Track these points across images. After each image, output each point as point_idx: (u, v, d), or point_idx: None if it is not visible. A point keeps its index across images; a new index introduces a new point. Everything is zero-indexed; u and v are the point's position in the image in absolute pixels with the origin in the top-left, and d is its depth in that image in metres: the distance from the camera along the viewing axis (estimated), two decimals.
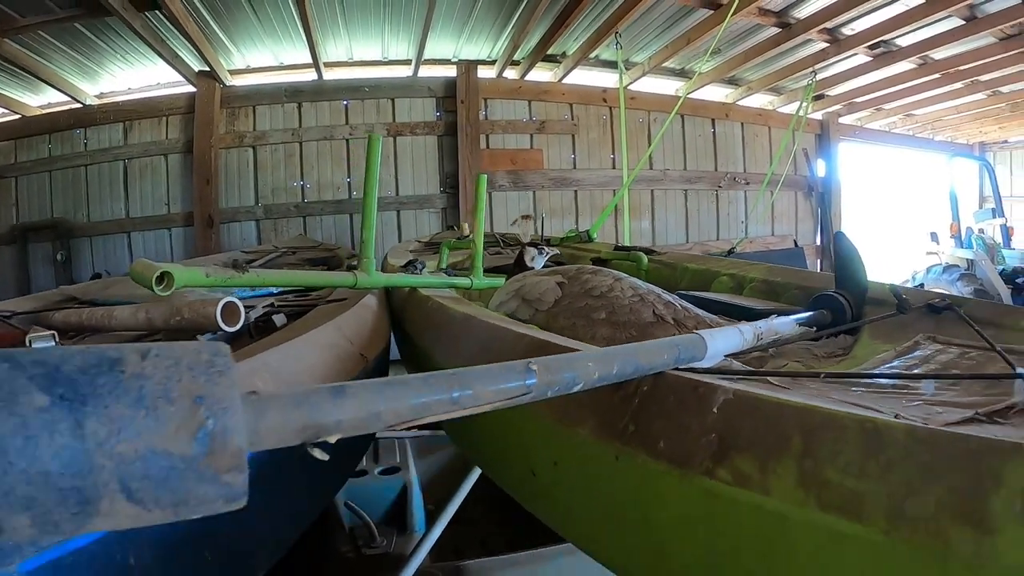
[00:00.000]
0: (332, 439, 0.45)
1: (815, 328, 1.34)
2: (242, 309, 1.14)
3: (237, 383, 0.39)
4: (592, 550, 0.95)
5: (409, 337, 1.84)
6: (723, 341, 0.92)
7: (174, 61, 5.39)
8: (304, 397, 0.44)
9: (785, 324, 1.22)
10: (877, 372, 1.10)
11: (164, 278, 1.21)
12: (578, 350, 0.86)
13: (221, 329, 1.22)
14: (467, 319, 1.44)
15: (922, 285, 7.02)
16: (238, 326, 1.24)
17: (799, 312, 1.41)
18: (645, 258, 2.66)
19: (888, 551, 0.54)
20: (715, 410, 0.69)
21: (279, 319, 1.55)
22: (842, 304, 1.46)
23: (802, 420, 0.62)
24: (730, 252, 5.91)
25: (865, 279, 1.54)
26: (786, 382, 0.85)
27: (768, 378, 0.86)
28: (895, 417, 0.65)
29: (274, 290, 2.16)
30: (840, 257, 1.57)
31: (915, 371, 1.12)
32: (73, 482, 0.35)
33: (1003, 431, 0.73)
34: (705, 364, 0.88)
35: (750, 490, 0.62)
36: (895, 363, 1.20)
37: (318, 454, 0.46)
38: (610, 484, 0.80)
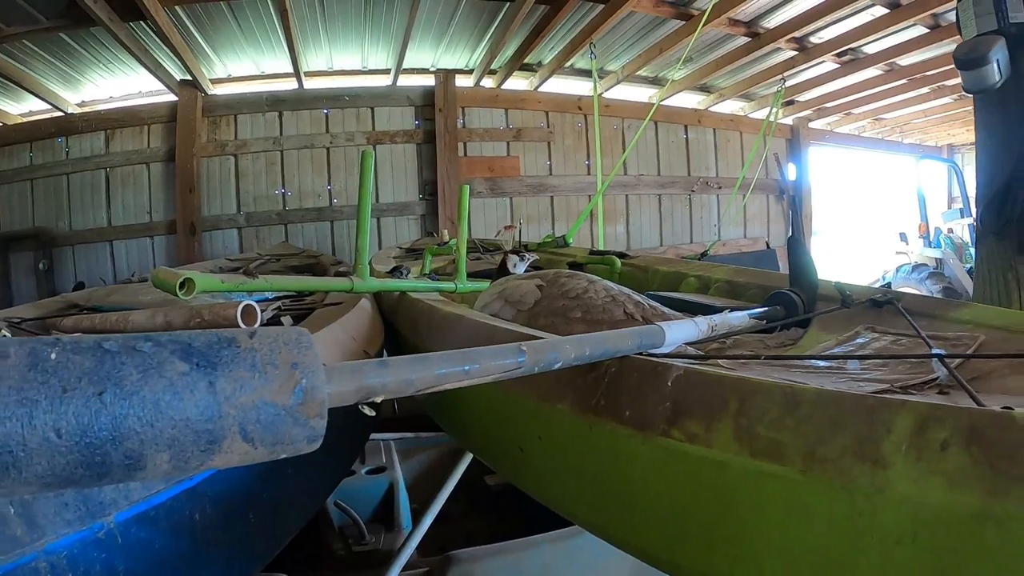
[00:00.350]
0: (378, 400, 0.60)
1: (766, 321, 1.50)
2: (259, 312, 1.27)
3: (319, 355, 0.54)
4: (573, 513, 1.10)
5: (402, 336, 1.97)
6: (679, 331, 1.08)
7: (156, 70, 5.43)
8: (359, 367, 0.59)
9: (737, 317, 1.38)
10: (809, 355, 1.26)
11: (186, 284, 1.34)
12: None
13: None
14: (457, 319, 1.58)
15: (890, 284, 7.21)
16: (255, 327, 1.36)
17: (755, 308, 1.57)
18: (618, 262, 2.81)
19: (806, 486, 0.69)
20: (669, 384, 0.85)
21: (286, 321, 1.68)
22: (794, 300, 1.61)
23: (737, 389, 0.78)
24: (703, 255, 6.01)
25: (816, 278, 1.70)
26: (733, 364, 1.01)
27: (717, 360, 1.02)
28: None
29: (269, 295, 2.28)
30: (793, 259, 1.74)
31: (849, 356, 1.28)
32: (206, 425, 0.49)
33: (907, 398, 0.89)
34: (664, 351, 1.04)
35: (697, 445, 0.78)
36: (836, 350, 1.37)
37: (367, 411, 0.61)
38: (586, 450, 0.95)
